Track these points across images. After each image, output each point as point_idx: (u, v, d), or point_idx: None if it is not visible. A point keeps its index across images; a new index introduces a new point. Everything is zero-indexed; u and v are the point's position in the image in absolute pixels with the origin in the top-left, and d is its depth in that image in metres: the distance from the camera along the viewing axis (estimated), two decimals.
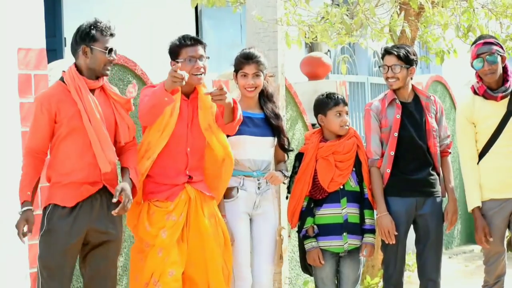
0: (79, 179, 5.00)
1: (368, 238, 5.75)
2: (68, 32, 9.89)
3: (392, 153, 5.72)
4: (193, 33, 11.27)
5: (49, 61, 5.76)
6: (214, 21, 11.81)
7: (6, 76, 5.34)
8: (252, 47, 5.76)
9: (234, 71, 5.67)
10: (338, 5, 7.17)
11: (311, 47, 12.22)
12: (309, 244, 5.74)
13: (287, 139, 5.76)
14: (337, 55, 9.43)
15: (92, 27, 5.02)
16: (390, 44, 6.02)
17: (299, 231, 5.81)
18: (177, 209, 5.27)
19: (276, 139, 5.70)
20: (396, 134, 5.72)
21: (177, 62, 5.29)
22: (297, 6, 6.82)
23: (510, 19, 7.53)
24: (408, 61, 5.74)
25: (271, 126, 5.68)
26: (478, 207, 5.73)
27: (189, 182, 5.34)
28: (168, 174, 5.30)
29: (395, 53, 5.73)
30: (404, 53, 5.74)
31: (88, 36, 5.01)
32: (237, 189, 5.60)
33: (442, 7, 7.14)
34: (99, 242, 5.10)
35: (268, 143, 5.69)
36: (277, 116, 5.70)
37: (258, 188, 5.64)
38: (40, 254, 4.96)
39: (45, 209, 5.02)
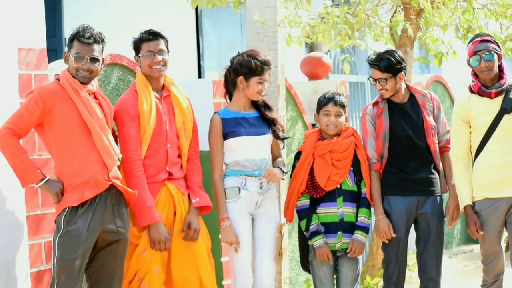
0: (87, 178, 5.02)
1: (358, 235, 5.74)
2: (68, 32, 9.87)
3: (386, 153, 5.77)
4: (193, 33, 11.31)
5: (50, 61, 5.75)
6: (214, 21, 11.80)
7: (6, 76, 5.34)
8: (256, 50, 5.79)
9: (244, 75, 5.66)
10: (338, 5, 7.17)
11: (311, 47, 12.21)
12: (318, 241, 5.74)
13: (282, 127, 5.79)
14: (337, 55, 9.43)
15: (73, 34, 5.13)
16: (375, 54, 5.95)
17: (306, 230, 5.79)
18: (158, 207, 5.34)
19: (272, 135, 5.73)
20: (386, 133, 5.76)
21: (139, 56, 5.41)
22: (298, 7, 6.82)
23: (510, 19, 7.53)
24: (393, 70, 5.74)
25: (266, 121, 5.71)
26: (469, 204, 5.76)
27: (169, 179, 5.37)
28: (150, 172, 5.35)
29: (377, 67, 5.74)
30: (387, 64, 5.72)
31: (69, 43, 5.15)
32: (239, 189, 5.62)
33: (444, 5, 7.13)
34: (107, 243, 5.13)
35: (265, 140, 5.72)
36: (269, 108, 5.75)
37: (260, 187, 5.65)
38: (59, 256, 4.96)
39: (60, 213, 5.02)
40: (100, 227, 5.04)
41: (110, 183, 5.07)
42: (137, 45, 5.47)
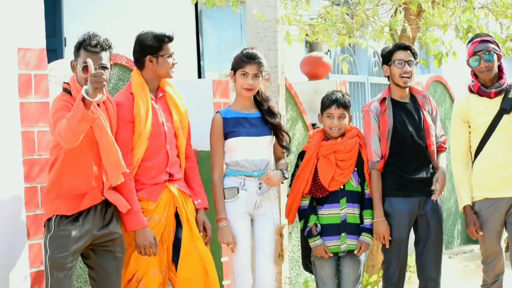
0: (83, 191, 5.01)
1: (364, 237, 5.75)
2: (68, 32, 9.89)
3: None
4: (193, 33, 11.31)
5: (49, 61, 5.75)
6: (214, 21, 11.81)
7: (6, 76, 5.34)
8: (253, 47, 5.76)
9: (232, 69, 5.66)
10: (338, 4, 7.17)
11: (311, 47, 12.22)
12: (314, 243, 5.75)
13: (288, 135, 5.76)
14: (337, 55, 9.43)
15: (79, 43, 5.01)
16: (391, 45, 6.00)
17: (303, 230, 5.80)
18: (159, 209, 5.31)
19: (274, 137, 5.70)
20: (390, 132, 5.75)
21: (155, 57, 5.30)
22: (298, 6, 6.81)
23: (510, 19, 7.52)
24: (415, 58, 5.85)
25: (268, 124, 5.68)
26: (469, 205, 5.76)
27: (169, 181, 5.37)
28: (151, 174, 5.33)
29: (411, 49, 5.78)
30: (414, 50, 5.82)
31: (76, 51, 5.04)
32: (238, 189, 5.60)
33: (443, 6, 7.13)
34: (102, 242, 5.11)
35: (266, 142, 5.68)
36: (274, 114, 5.69)
37: (259, 188, 5.64)
38: (50, 254, 4.96)
39: (50, 218, 5.01)
40: (91, 233, 5.04)
41: (103, 199, 5.07)
42: (158, 45, 5.32)
